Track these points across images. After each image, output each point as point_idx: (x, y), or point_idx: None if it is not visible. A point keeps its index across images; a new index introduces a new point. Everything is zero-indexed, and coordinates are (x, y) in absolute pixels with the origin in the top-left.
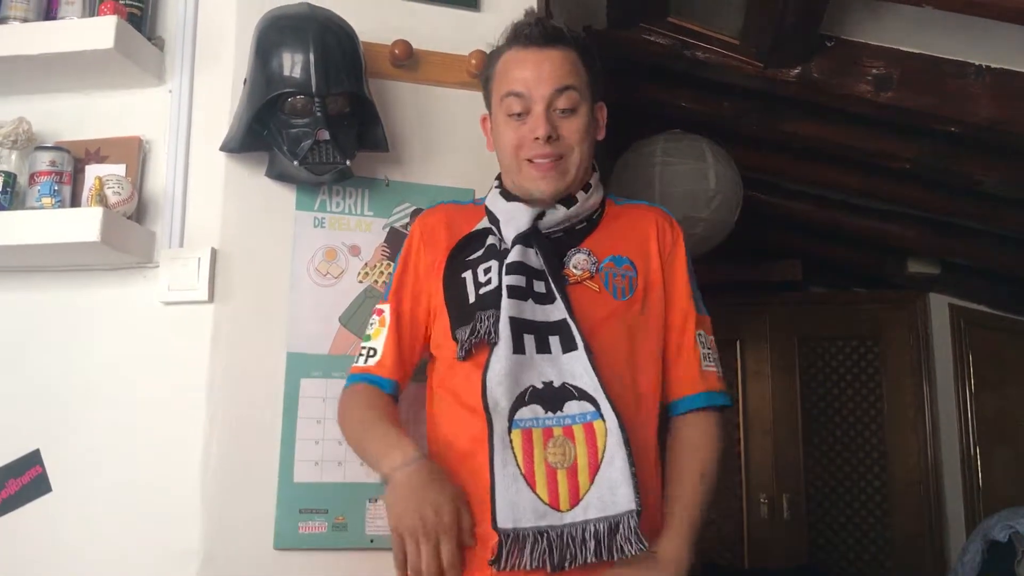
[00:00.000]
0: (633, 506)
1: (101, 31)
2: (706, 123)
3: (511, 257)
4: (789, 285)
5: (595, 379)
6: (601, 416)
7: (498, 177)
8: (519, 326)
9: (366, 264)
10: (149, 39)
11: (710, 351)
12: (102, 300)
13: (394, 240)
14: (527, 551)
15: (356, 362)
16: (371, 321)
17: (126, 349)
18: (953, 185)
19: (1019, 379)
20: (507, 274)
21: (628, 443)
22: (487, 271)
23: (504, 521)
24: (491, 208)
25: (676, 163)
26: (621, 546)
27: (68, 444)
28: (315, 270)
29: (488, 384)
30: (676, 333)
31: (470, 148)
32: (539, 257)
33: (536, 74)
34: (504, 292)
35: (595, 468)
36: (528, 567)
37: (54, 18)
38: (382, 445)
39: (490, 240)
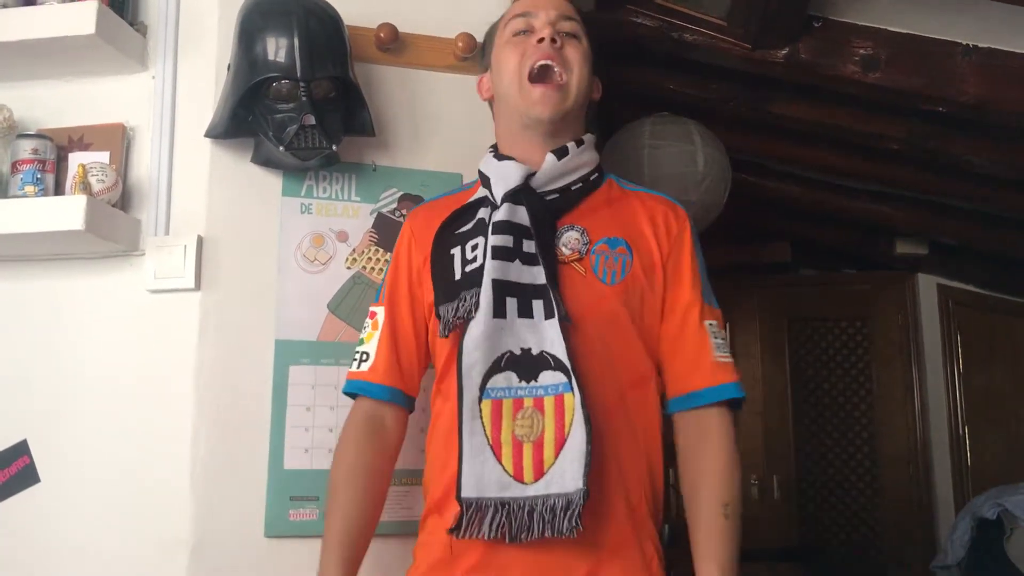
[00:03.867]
0: (580, 485)
1: (82, 16)
2: (694, 105)
3: (498, 216)
4: (778, 267)
5: (564, 348)
6: (572, 388)
7: (492, 147)
8: (502, 288)
9: (354, 250)
10: (131, 24)
11: (723, 342)
12: (87, 289)
13: (382, 225)
14: (487, 521)
15: (351, 366)
16: (364, 324)
17: (113, 338)
18: (941, 165)
19: (1007, 358)
20: (493, 233)
21: (588, 420)
22: (475, 247)
23: (468, 491)
24: (483, 171)
25: (664, 146)
26: (563, 525)
27: (56, 434)
28: (302, 256)
29: (465, 348)
30: (677, 325)
31: (457, 132)
32: (528, 216)
33: (544, 1)
34: (488, 253)
35: (561, 443)
36: (487, 537)
37: (34, 3)
38: (322, 554)
39: (481, 213)
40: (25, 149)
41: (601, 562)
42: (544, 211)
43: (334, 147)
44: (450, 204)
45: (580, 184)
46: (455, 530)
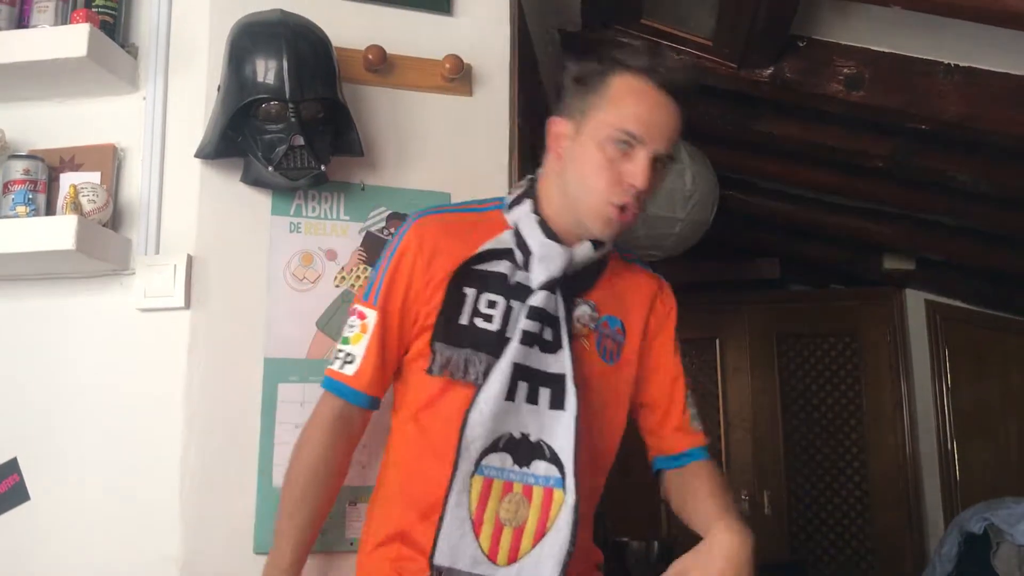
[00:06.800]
0: None
1: (74, 39)
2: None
3: (535, 301)
4: (768, 283)
5: (572, 447)
6: (563, 486)
7: (527, 192)
8: (519, 373)
9: (342, 268)
10: (122, 46)
11: (697, 410)
12: (78, 308)
13: (370, 244)
14: None
15: (332, 364)
16: (350, 323)
17: (103, 356)
18: (927, 182)
19: (995, 373)
20: (527, 318)
21: (577, 523)
22: (491, 304)
23: (441, 559)
24: (525, 236)
25: None
26: None
27: (46, 452)
28: (291, 275)
29: (469, 423)
30: (667, 394)
31: (445, 151)
32: (559, 305)
33: (657, 121)
34: (518, 336)
35: (540, 535)
36: None
37: (26, 26)
38: (278, 536)
39: (504, 266)
40: (17, 170)
41: None
42: (570, 301)
43: (323, 167)
44: (463, 224)
45: (597, 265)
46: None
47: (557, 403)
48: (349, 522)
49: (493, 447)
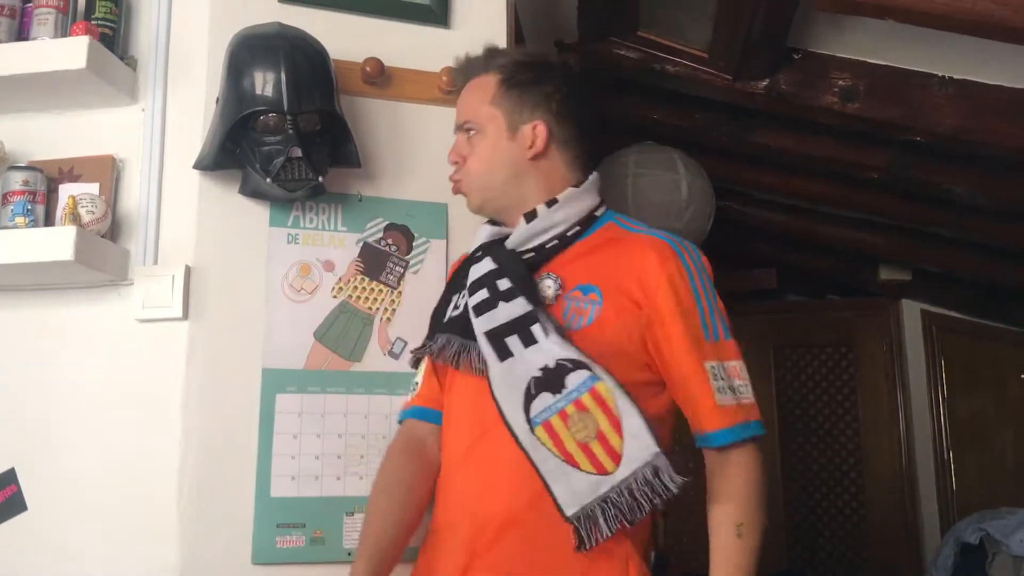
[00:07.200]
0: (656, 448)
1: (73, 52)
2: (678, 135)
3: (470, 278)
4: (765, 293)
5: (573, 348)
6: (598, 377)
7: None
8: (497, 334)
9: (340, 279)
10: (121, 59)
11: (724, 381)
12: (76, 318)
13: (367, 255)
14: (601, 522)
15: (405, 397)
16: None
17: (101, 367)
18: (922, 194)
19: (990, 383)
20: (470, 295)
21: (627, 391)
22: (462, 297)
23: (570, 508)
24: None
25: (648, 175)
26: (667, 486)
27: (44, 462)
28: (289, 286)
29: (497, 399)
30: (676, 368)
31: (441, 163)
32: (493, 262)
33: (457, 108)
34: (471, 313)
35: (618, 425)
36: (609, 534)
37: (26, 39)
38: (354, 564)
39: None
40: (16, 181)
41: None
42: (508, 256)
43: (320, 178)
44: None
45: (556, 241)
46: (580, 546)
47: (548, 330)
48: (347, 532)
49: (529, 397)
